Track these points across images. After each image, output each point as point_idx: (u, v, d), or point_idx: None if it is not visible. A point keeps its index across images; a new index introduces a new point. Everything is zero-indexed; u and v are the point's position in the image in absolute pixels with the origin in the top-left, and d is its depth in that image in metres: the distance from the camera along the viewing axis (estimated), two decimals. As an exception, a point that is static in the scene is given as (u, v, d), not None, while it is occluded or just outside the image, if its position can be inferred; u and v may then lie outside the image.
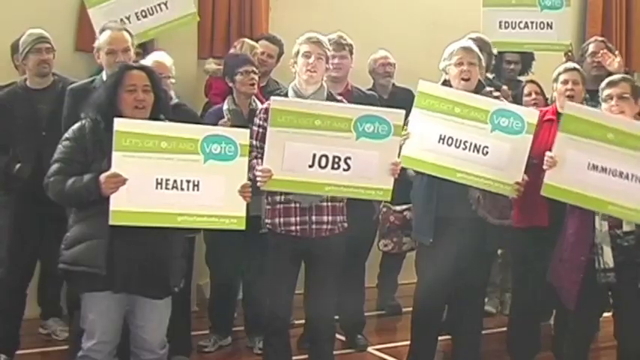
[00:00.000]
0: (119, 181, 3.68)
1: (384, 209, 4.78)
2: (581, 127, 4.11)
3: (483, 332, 5.58)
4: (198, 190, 3.81)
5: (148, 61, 4.86)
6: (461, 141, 4.31)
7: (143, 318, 3.88)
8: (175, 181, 3.79)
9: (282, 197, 4.31)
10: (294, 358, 4.69)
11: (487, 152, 4.30)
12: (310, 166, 4.10)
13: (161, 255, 3.82)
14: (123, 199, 3.69)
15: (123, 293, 3.80)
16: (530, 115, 4.36)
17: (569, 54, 5.76)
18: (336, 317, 4.98)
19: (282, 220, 4.33)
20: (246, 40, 5.52)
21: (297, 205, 4.30)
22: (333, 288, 4.47)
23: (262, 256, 4.65)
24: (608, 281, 4.15)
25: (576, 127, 4.12)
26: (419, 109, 4.36)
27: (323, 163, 4.10)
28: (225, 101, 5.03)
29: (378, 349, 5.35)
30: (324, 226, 4.34)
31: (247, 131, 4.01)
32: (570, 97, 4.56)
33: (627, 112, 4.22)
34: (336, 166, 4.10)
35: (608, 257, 4.14)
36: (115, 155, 3.69)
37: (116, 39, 4.46)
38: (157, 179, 3.77)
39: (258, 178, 4.08)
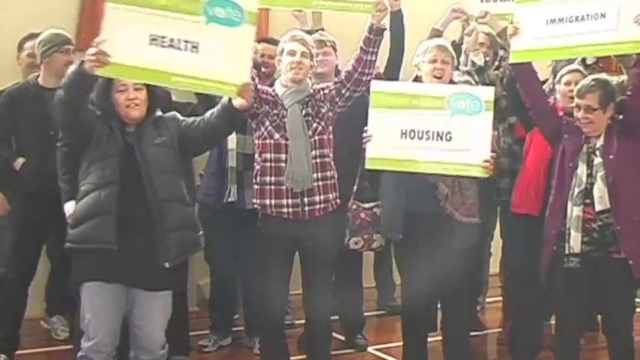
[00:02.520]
0: (99, 57, 3.56)
1: (354, 207, 4.80)
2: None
3: (483, 332, 5.63)
4: (197, 51, 3.67)
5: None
6: (423, 132, 4.33)
7: (141, 317, 3.86)
8: (172, 40, 3.65)
9: (273, 179, 4.28)
10: (293, 358, 4.69)
11: (450, 137, 4.33)
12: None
13: (151, 237, 3.76)
14: (113, 51, 3.57)
15: (120, 288, 3.79)
16: (486, 93, 4.40)
17: None
18: (336, 317, 5.00)
19: (273, 201, 4.29)
20: None
21: (289, 187, 4.26)
22: (328, 283, 4.45)
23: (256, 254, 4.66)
24: (571, 267, 4.19)
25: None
26: (376, 109, 4.37)
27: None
28: None
29: (377, 349, 5.36)
30: (317, 206, 4.31)
31: None
32: (572, 99, 4.56)
33: (597, 122, 4.23)
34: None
35: (575, 242, 4.16)
36: (108, 6, 3.58)
37: None
38: (150, 35, 3.63)
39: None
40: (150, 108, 3.92)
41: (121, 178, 3.76)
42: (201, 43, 3.66)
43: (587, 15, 4.19)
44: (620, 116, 4.27)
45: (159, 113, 3.99)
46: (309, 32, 4.90)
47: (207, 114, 4.02)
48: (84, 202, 3.80)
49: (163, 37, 3.64)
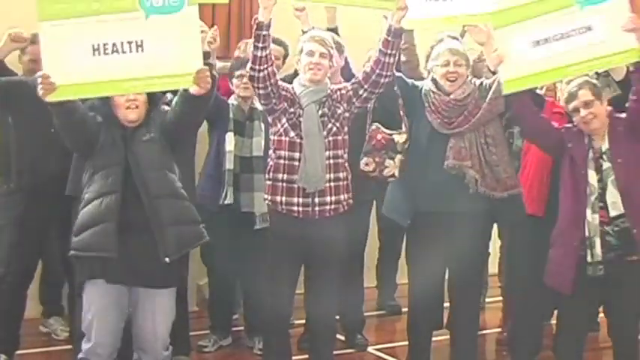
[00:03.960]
0: (46, 84, 3.55)
1: (374, 126, 4.75)
2: (511, 15, 4.08)
3: (484, 332, 5.63)
4: (142, 50, 3.53)
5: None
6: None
7: (144, 317, 3.86)
8: (115, 44, 3.51)
9: (285, 176, 4.28)
10: (294, 358, 4.68)
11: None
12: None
13: (150, 236, 3.76)
14: (58, 73, 3.48)
15: (122, 289, 3.80)
16: None
17: None
18: (337, 317, 4.99)
19: (284, 198, 4.29)
20: (249, 40, 5.53)
21: (301, 187, 4.26)
22: (334, 284, 4.44)
23: (259, 252, 4.64)
24: (599, 274, 4.14)
25: (504, 19, 4.09)
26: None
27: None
28: (232, 95, 5.14)
29: (377, 349, 5.36)
30: (328, 207, 4.30)
31: None
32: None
33: (600, 115, 4.21)
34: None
35: (598, 249, 4.14)
36: (42, 26, 3.44)
37: None
38: (92, 45, 3.50)
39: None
40: (150, 109, 3.92)
41: (122, 186, 3.76)
42: (145, 39, 3.52)
43: (573, 30, 4.07)
44: (622, 115, 4.26)
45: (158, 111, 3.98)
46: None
47: (173, 104, 3.96)
48: (86, 210, 3.80)
49: (105, 44, 3.50)
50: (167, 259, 3.78)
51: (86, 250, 3.78)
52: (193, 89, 3.73)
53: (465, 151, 4.43)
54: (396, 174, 4.62)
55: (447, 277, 4.68)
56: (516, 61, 4.13)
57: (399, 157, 4.62)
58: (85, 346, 3.85)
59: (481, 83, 4.54)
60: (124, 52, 3.51)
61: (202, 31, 4.77)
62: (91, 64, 3.49)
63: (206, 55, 4.66)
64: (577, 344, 4.38)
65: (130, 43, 3.51)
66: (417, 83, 4.61)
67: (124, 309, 3.85)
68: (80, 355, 3.88)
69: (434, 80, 4.54)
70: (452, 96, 4.47)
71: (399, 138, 4.62)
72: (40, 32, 3.43)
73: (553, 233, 4.27)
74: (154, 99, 3.94)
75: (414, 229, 4.60)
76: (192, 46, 3.60)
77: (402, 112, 4.65)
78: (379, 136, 4.65)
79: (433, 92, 4.50)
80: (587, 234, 4.13)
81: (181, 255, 3.91)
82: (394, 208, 4.64)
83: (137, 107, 3.83)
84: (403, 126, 4.61)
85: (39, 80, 3.58)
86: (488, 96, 4.44)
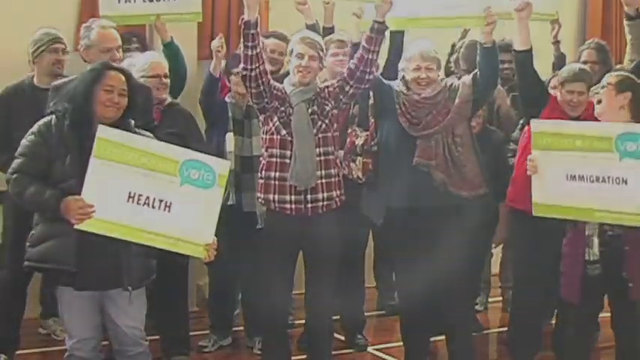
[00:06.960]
0: (86, 213, 3.60)
1: (350, 129, 4.80)
2: (550, 141, 4.09)
3: (483, 332, 5.63)
4: (169, 211, 3.73)
5: (142, 59, 4.82)
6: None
7: (117, 314, 3.82)
8: (148, 198, 3.71)
9: (277, 174, 4.30)
10: (293, 358, 4.68)
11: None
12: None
13: (120, 251, 3.72)
14: (96, 206, 3.62)
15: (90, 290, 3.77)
16: None
17: (555, 23, 5.85)
18: (337, 317, 4.99)
19: (276, 196, 4.32)
20: None
21: (293, 184, 4.28)
22: (331, 281, 4.45)
23: (260, 252, 4.64)
24: (595, 274, 4.13)
25: (546, 142, 4.10)
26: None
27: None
28: (229, 93, 5.16)
29: (378, 349, 5.35)
30: (320, 203, 4.32)
31: (228, 162, 3.90)
32: (575, 107, 4.59)
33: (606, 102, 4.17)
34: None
35: (596, 249, 4.14)
36: (93, 162, 3.61)
37: (110, 37, 4.53)
38: (129, 192, 3.68)
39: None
40: (125, 116, 3.82)
41: None
42: (174, 203, 3.73)
43: (609, 177, 3.96)
44: None
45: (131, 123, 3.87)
46: (313, 27, 4.89)
47: None
48: (44, 222, 3.76)
49: (140, 195, 3.70)
50: (130, 289, 3.77)
51: (42, 262, 3.74)
52: (202, 256, 3.87)
53: (431, 150, 4.46)
54: (360, 175, 4.72)
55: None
56: (549, 187, 4.11)
57: (359, 159, 4.69)
58: (68, 343, 3.84)
59: (451, 84, 4.58)
60: (153, 207, 3.72)
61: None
62: (124, 209, 3.68)
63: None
64: (586, 345, 4.38)
65: (161, 201, 3.72)
66: (392, 84, 4.63)
67: (96, 303, 3.82)
68: (66, 354, 3.86)
69: (404, 80, 4.56)
70: (422, 95, 4.50)
71: (359, 140, 4.69)
72: (89, 167, 3.62)
73: (564, 243, 4.25)
74: (132, 106, 3.84)
75: (389, 228, 4.61)
76: (210, 221, 3.81)
77: (369, 113, 4.70)
78: (348, 139, 4.78)
79: (404, 93, 4.53)
80: (587, 233, 4.13)
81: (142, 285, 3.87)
82: (368, 207, 4.67)
83: (118, 109, 3.77)
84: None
85: (79, 204, 3.60)
86: (457, 100, 4.49)
